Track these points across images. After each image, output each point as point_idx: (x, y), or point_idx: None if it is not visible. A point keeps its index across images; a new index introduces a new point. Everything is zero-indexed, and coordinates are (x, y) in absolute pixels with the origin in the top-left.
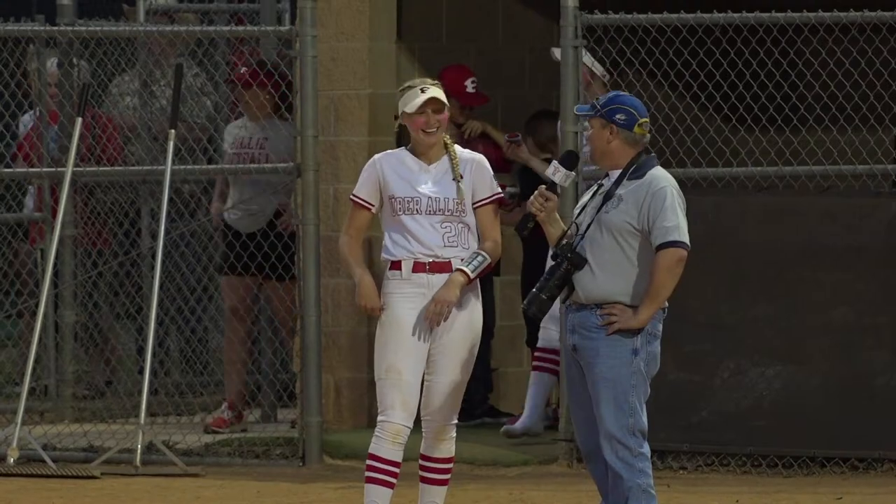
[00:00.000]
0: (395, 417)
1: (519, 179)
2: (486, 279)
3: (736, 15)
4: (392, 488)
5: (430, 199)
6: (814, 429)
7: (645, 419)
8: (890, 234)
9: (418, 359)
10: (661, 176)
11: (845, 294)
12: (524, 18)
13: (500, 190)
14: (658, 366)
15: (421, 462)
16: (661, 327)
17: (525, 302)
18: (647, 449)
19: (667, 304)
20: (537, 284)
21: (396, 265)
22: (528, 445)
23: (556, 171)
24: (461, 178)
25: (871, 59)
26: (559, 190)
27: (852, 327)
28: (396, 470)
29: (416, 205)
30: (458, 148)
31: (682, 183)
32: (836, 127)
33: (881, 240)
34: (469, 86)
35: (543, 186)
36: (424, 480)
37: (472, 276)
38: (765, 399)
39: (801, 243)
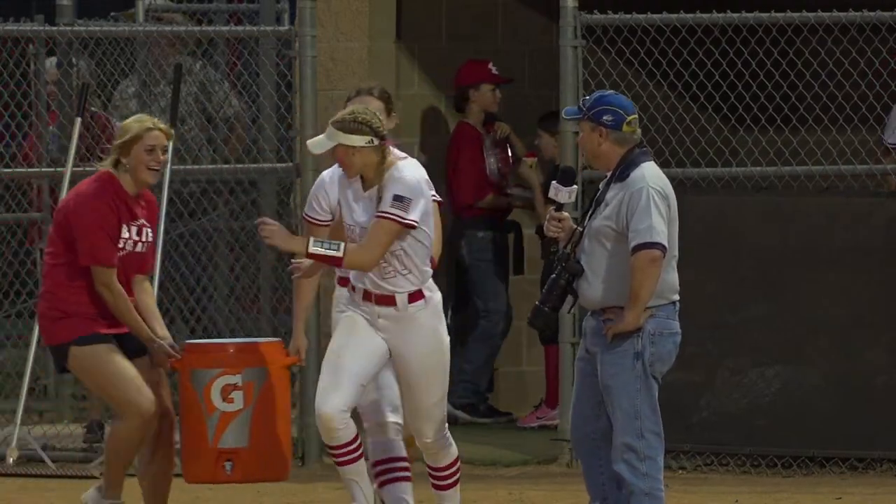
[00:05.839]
0: (323, 406)
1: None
2: (499, 281)
3: (735, 15)
4: (351, 464)
5: (363, 228)
6: (813, 429)
7: (656, 420)
8: (890, 234)
9: (366, 350)
10: (640, 176)
11: (845, 294)
12: (524, 18)
13: (398, 213)
14: (671, 361)
15: (427, 470)
16: (674, 323)
17: (530, 315)
18: (655, 451)
19: (677, 297)
20: (540, 297)
21: (345, 281)
22: (528, 445)
23: (558, 192)
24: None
25: (870, 59)
26: (565, 207)
27: (852, 327)
28: (348, 450)
29: (352, 233)
30: (395, 168)
31: (681, 183)
32: (836, 127)
33: (881, 240)
34: (493, 69)
35: (552, 208)
36: (433, 487)
37: (310, 251)
38: (764, 399)
39: (801, 243)
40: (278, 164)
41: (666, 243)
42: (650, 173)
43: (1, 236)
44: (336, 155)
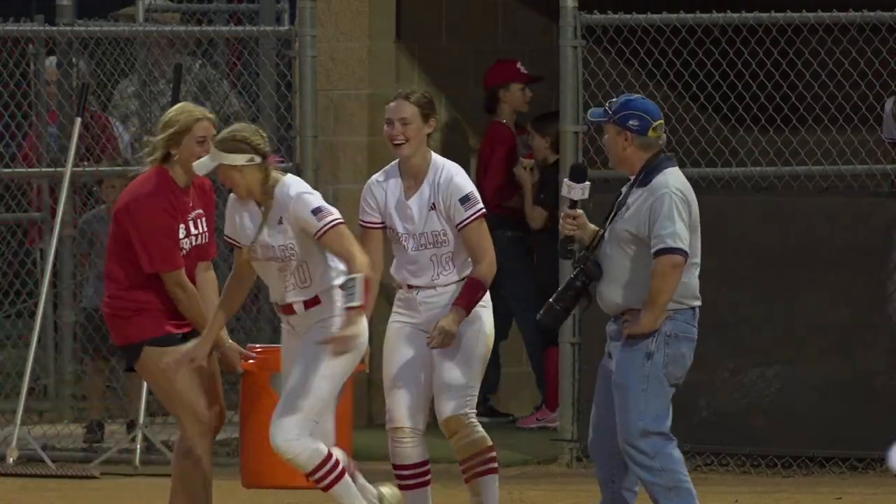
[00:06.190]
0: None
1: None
2: (530, 278)
3: (735, 15)
4: (335, 485)
5: (264, 247)
6: (813, 429)
7: (664, 421)
8: (890, 234)
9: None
10: (663, 182)
11: (845, 294)
12: (524, 18)
13: (331, 218)
14: (686, 366)
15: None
16: (691, 328)
17: (541, 311)
18: (666, 447)
19: (697, 303)
20: (554, 295)
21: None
22: (528, 445)
23: (571, 189)
24: (280, 222)
25: (870, 59)
26: (580, 204)
27: (851, 327)
28: (324, 472)
29: (254, 253)
30: (280, 186)
31: None
32: (836, 127)
33: (881, 240)
34: (521, 68)
35: (567, 206)
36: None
37: (354, 303)
38: (764, 399)
39: (801, 243)
40: (278, 165)
41: (688, 249)
42: (673, 179)
43: (1, 236)
44: (220, 176)
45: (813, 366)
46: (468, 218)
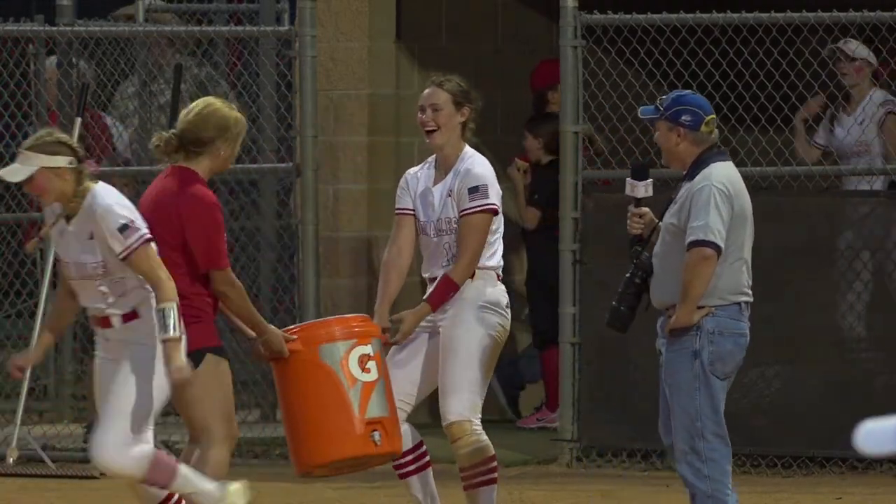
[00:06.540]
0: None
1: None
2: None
3: (735, 15)
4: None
5: (78, 266)
6: (813, 429)
7: (718, 422)
8: (890, 234)
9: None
10: (706, 175)
11: (845, 294)
12: (524, 18)
13: (136, 237)
14: (735, 361)
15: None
16: (738, 323)
17: (608, 316)
18: (719, 454)
19: (744, 298)
20: (616, 297)
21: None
22: (528, 445)
23: (634, 188)
24: (90, 237)
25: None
26: (644, 202)
27: (852, 327)
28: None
29: (69, 272)
30: (89, 196)
31: None
32: None
33: (881, 240)
34: None
35: (632, 205)
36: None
37: (171, 335)
38: (764, 399)
39: (801, 243)
40: (278, 164)
41: (720, 243)
42: (717, 172)
43: (1, 236)
44: (35, 182)
45: (813, 366)
46: (468, 209)
